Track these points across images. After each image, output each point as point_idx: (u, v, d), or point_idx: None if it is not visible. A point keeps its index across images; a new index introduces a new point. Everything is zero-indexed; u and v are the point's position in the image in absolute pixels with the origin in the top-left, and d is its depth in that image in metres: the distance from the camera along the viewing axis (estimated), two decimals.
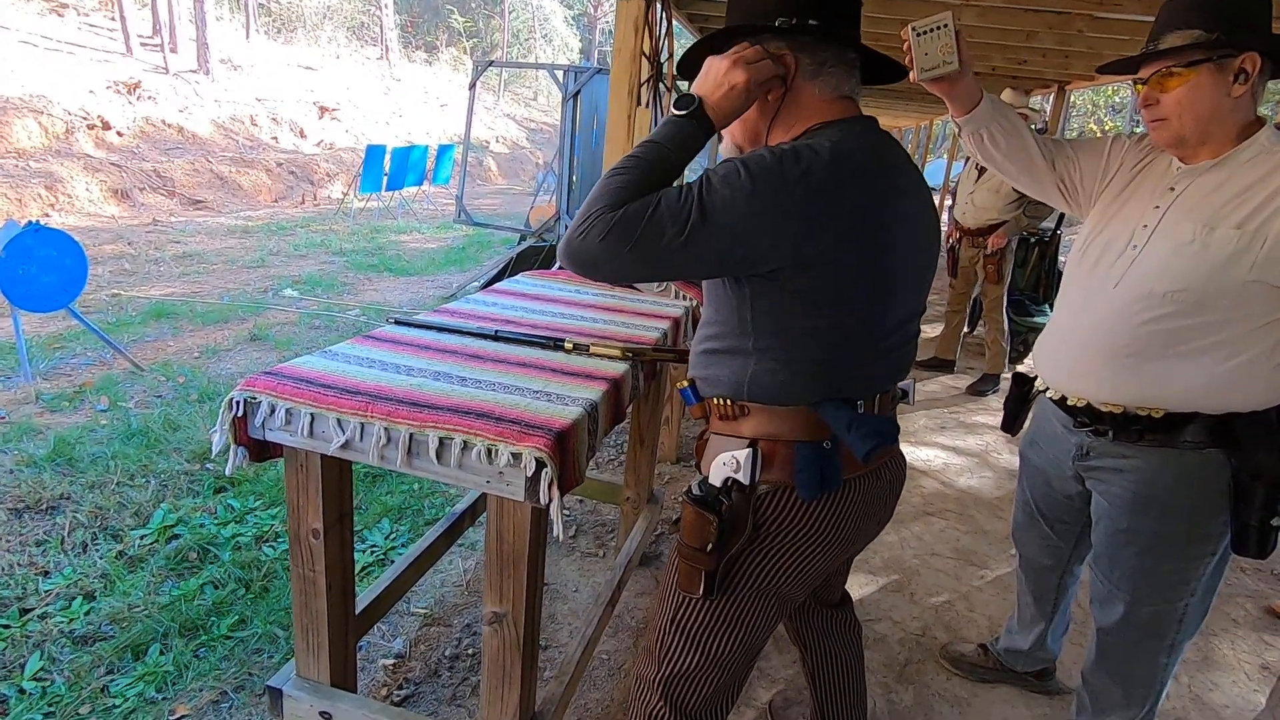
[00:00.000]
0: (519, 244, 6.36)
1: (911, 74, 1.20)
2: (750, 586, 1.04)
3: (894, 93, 7.64)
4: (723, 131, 1.06)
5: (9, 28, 11.04)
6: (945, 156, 15.20)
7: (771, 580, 1.04)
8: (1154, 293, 1.21)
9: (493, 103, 23.24)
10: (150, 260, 6.43)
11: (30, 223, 3.47)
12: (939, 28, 1.19)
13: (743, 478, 0.98)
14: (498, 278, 5.99)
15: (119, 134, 10.10)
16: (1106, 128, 20.36)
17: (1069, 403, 1.37)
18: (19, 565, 2.15)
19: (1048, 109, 6.19)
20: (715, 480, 1.00)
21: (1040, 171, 1.42)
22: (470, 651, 1.94)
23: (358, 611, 1.54)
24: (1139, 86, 1.23)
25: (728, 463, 0.99)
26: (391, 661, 1.89)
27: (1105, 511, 1.40)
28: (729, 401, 1.01)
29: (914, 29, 1.21)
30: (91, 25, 13.40)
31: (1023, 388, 1.55)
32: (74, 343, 4.08)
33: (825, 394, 0.97)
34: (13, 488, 2.53)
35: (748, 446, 0.99)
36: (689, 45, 1.12)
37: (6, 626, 1.91)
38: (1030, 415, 1.59)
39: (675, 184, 0.93)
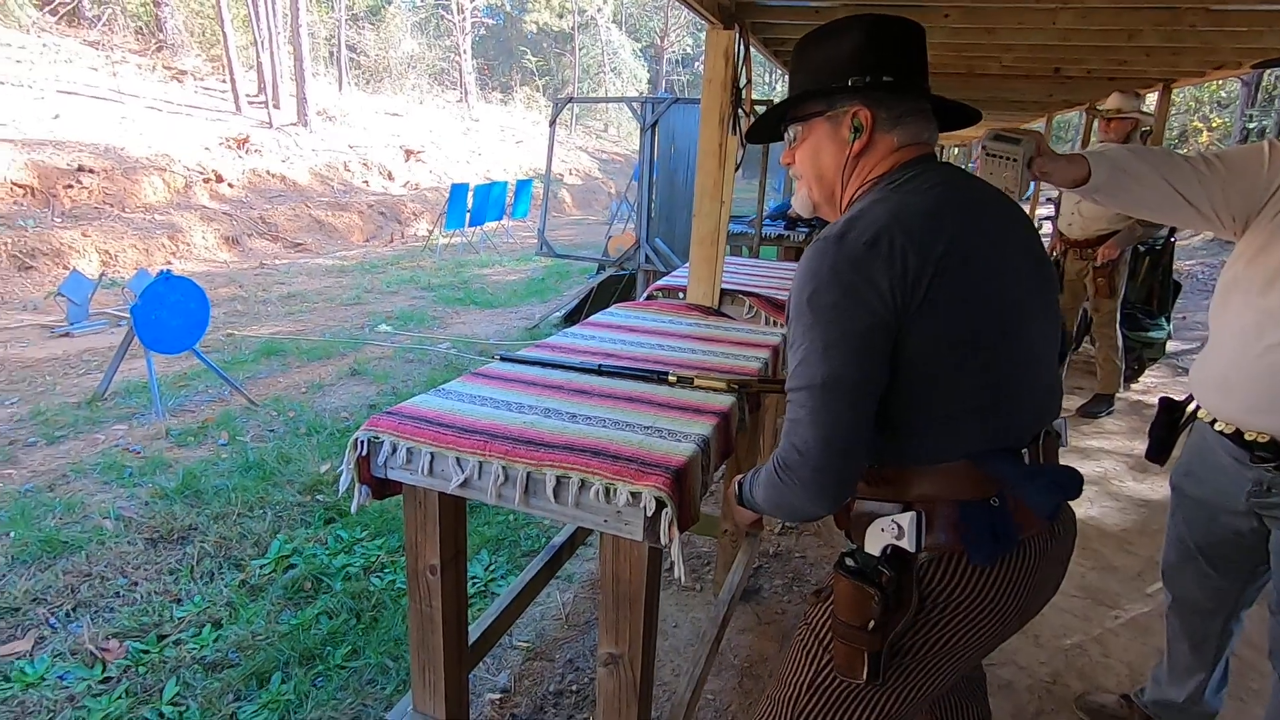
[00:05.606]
0: (598, 273, 6.46)
1: None
2: (912, 665, 0.94)
3: (976, 102, 7.34)
4: (796, 183, 1.10)
5: (138, 95, 12.25)
6: None
7: (938, 657, 0.94)
8: None
9: (565, 136, 23.94)
10: (259, 301, 6.90)
11: (162, 272, 3.79)
12: (1009, 159, 1.19)
13: (908, 545, 0.90)
14: (579, 307, 6.09)
15: (230, 185, 10.96)
16: (1214, 125, 18.95)
17: (1246, 437, 1.24)
18: (156, 593, 2.30)
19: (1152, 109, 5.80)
20: (873, 549, 0.93)
21: (1175, 211, 1.27)
22: (574, 688, 1.92)
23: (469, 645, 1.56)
24: None
25: (887, 529, 0.91)
26: (497, 696, 1.89)
27: None
28: (877, 467, 0.95)
29: (985, 149, 1.21)
30: (206, 88, 14.70)
31: (1173, 414, 1.42)
32: (196, 381, 4.40)
33: (978, 446, 0.90)
34: (149, 519, 2.73)
35: (904, 510, 0.91)
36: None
37: (146, 652, 2.04)
38: (1183, 443, 1.46)
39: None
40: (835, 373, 0.85)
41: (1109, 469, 3.37)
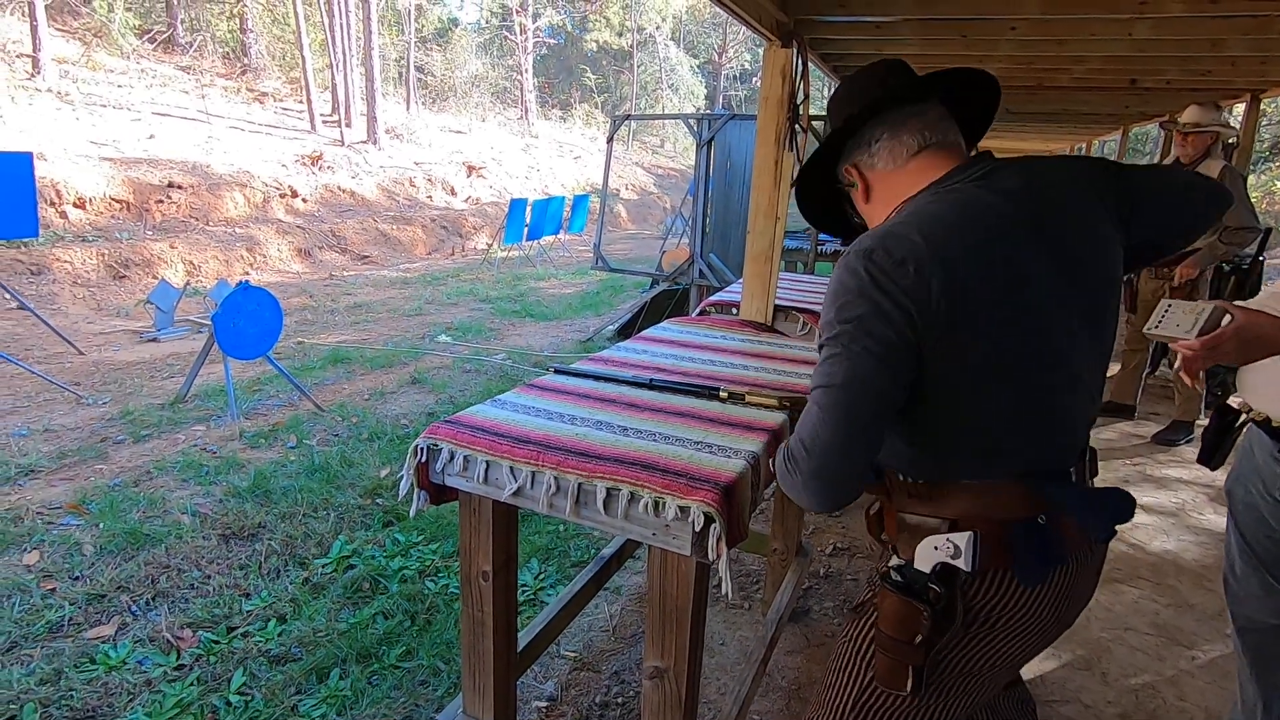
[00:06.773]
0: (651, 288, 6.50)
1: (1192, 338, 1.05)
2: (954, 677, 0.95)
3: (1045, 115, 7.10)
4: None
5: (223, 116, 13.04)
6: None
7: (979, 668, 0.95)
8: None
9: (622, 152, 24.22)
10: (327, 310, 7.21)
11: (240, 282, 4.01)
12: (1192, 316, 1.04)
13: (964, 565, 0.88)
14: (633, 321, 6.14)
15: (304, 200, 11.53)
16: None
17: (1273, 424, 1.23)
18: (227, 587, 2.43)
19: (1237, 122, 5.49)
20: (923, 566, 0.91)
21: None
22: (620, 700, 1.93)
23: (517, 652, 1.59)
24: None
25: (941, 547, 0.90)
26: (544, 704, 1.92)
27: None
28: (917, 481, 0.95)
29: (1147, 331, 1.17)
30: (285, 109, 15.52)
31: (1225, 418, 1.38)
32: (269, 386, 4.62)
33: (1020, 465, 0.89)
34: (222, 516, 2.88)
35: (950, 527, 0.90)
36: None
37: (217, 642, 2.15)
38: (1237, 447, 1.42)
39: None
40: (853, 376, 0.84)
41: (1187, 500, 3.19)
